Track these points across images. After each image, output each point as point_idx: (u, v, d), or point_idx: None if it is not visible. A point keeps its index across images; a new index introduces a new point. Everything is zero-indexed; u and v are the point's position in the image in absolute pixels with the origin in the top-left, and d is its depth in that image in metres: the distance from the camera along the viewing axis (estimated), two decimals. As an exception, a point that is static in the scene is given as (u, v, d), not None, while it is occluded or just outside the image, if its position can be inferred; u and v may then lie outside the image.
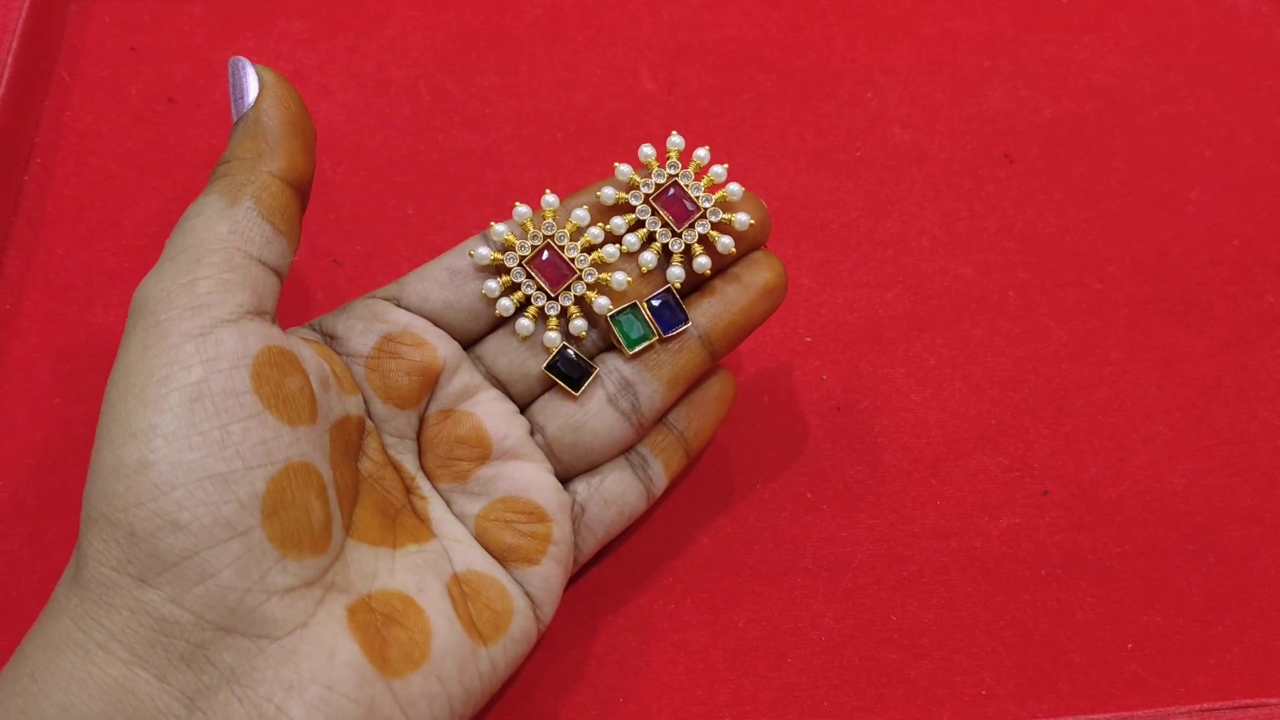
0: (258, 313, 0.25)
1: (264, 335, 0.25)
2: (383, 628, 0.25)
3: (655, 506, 0.33)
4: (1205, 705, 0.31)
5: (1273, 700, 0.31)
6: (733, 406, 0.32)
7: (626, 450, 0.30)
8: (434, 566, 0.27)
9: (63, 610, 0.23)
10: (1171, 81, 0.41)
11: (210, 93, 0.40)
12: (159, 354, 0.24)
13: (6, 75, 0.37)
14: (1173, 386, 0.36)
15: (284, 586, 0.24)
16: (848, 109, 0.41)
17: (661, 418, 0.31)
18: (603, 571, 0.32)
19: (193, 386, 0.23)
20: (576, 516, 0.29)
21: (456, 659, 0.26)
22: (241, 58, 0.27)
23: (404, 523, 0.28)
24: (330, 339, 0.29)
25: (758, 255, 0.30)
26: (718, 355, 0.30)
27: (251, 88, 0.27)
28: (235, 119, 0.27)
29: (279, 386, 0.24)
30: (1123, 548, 0.33)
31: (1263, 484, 0.34)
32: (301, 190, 0.27)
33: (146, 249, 0.37)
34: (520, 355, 0.30)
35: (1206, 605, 0.32)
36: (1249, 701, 0.31)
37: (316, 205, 0.38)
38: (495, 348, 0.30)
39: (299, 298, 0.36)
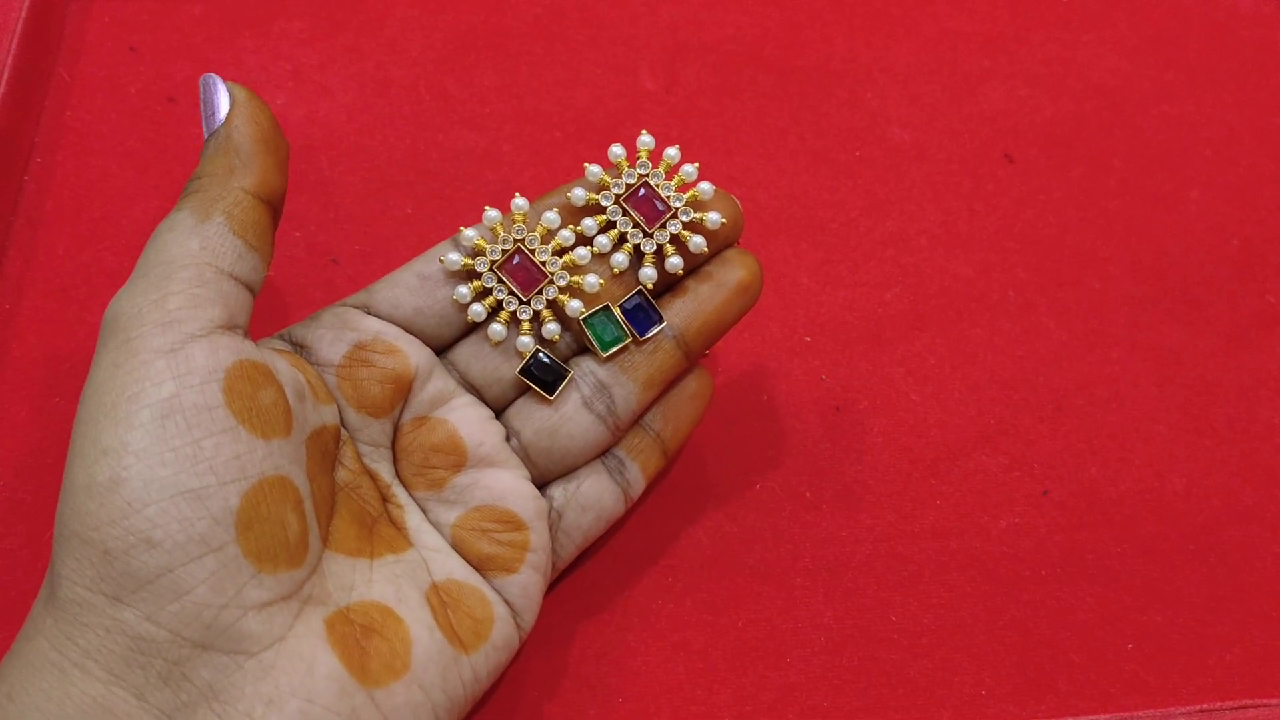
0: (229, 327, 0.25)
1: (236, 349, 0.25)
2: (362, 639, 0.25)
3: (635, 509, 0.33)
4: (1205, 705, 0.31)
5: (1273, 700, 0.31)
6: (712, 404, 0.32)
7: (603, 453, 0.30)
8: (412, 576, 0.27)
9: (38, 631, 0.23)
10: (1171, 81, 0.41)
11: (210, 92, 0.40)
12: (129, 371, 0.23)
13: (6, 75, 0.37)
14: (1173, 386, 0.36)
15: (260, 601, 0.23)
16: (847, 109, 0.41)
17: (638, 419, 0.30)
18: (601, 571, 0.32)
19: (164, 402, 0.23)
20: (554, 522, 0.29)
21: (439, 667, 0.26)
22: (212, 75, 0.27)
23: (381, 532, 0.28)
24: (300, 349, 0.28)
25: (731, 253, 0.30)
26: (693, 355, 0.30)
27: (222, 105, 0.27)
28: (206, 136, 0.27)
29: (252, 400, 0.24)
30: (1123, 548, 0.33)
31: (1263, 484, 0.34)
32: (274, 206, 0.27)
33: (146, 249, 0.37)
34: (493, 360, 0.29)
35: (1206, 605, 0.32)
36: (1249, 701, 0.31)
37: (316, 205, 0.38)
38: (468, 353, 0.29)
39: (297, 296, 0.36)
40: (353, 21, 0.41)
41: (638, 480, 0.30)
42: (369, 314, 0.29)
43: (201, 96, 0.27)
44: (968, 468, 0.34)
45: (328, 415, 0.27)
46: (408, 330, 0.29)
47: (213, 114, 0.27)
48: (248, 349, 0.25)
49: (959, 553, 0.33)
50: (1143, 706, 0.31)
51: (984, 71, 0.41)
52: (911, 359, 0.36)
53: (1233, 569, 0.33)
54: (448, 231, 0.37)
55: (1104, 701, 0.31)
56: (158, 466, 0.23)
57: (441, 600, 0.27)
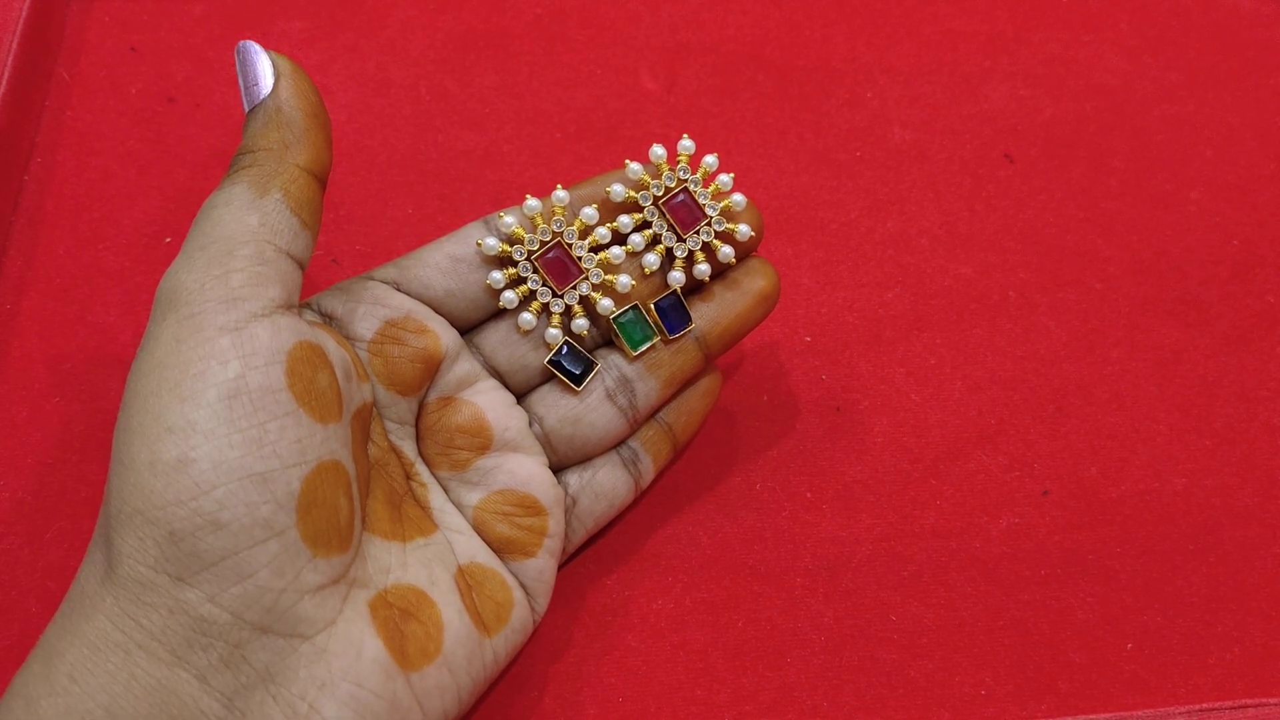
0: (287, 306, 0.25)
1: (295, 330, 0.25)
2: (400, 623, 0.25)
3: (635, 508, 0.33)
4: (1205, 705, 0.31)
5: (1273, 700, 0.31)
6: (720, 401, 0.32)
7: (618, 444, 0.31)
8: (442, 559, 0.27)
9: (96, 608, 0.23)
10: (1171, 81, 0.41)
11: (210, 92, 0.40)
12: (194, 347, 0.23)
13: (6, 75, 0.37)
14: (1173, 386, 0.36)
15: (315, 585, 0.24)
16: (848, 109, 0.41)
17: (654, 414, 0.31)
18: (602, 571, 0.32)
19: (230, 383, 0.23)
20: (568, 508, 0.30)
21: (466, 651, 0.26)
22: (251, 43, 0.27)
23: (408, 512, 0.28)
24: (329, 319, 0.28)
25: (754, 262, 0.31)
26: (712, 357, 0.31)
27: (265, 75, 0.26)
28: (248, 107, 0.26)
29: (311, 384, 0.24)
30: (1123, 548, 0.33)
31: (1263, 484, 0.34)
32: (323, 182, 0.27)
33: (146, 249, 0.37)
34: (520, 348, 0.30)
35: (1206, 605, 0.32)
36: (1249, 701, 0.31)
37: (316, 205, 0.38)
38: (495, 338, 0.30)
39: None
40: (353, 21, 0.41)
41: (649, 471, 0.31)
42: (398, 290, 0.29)
43: (240, 65, 0.27)
44: (968, 468, 0.34)
45: (367, 393, 0.27)
46: (437, 310, 0.29)
47: (254, 84, 0.26)
48: (304, 329, 0.25)
49: (959, 553, 0.33)
50: (1142, 706, 0.31)
51: (984, 72, 0.41)
52: (911, 359, 0.36)
53: (1233, 569, 0.33)
54: (448, 231, 0.37)
55: (1104, 701, 0.31)
56: (225, 448, 0.22)
57: (467, 583, 0.27)
